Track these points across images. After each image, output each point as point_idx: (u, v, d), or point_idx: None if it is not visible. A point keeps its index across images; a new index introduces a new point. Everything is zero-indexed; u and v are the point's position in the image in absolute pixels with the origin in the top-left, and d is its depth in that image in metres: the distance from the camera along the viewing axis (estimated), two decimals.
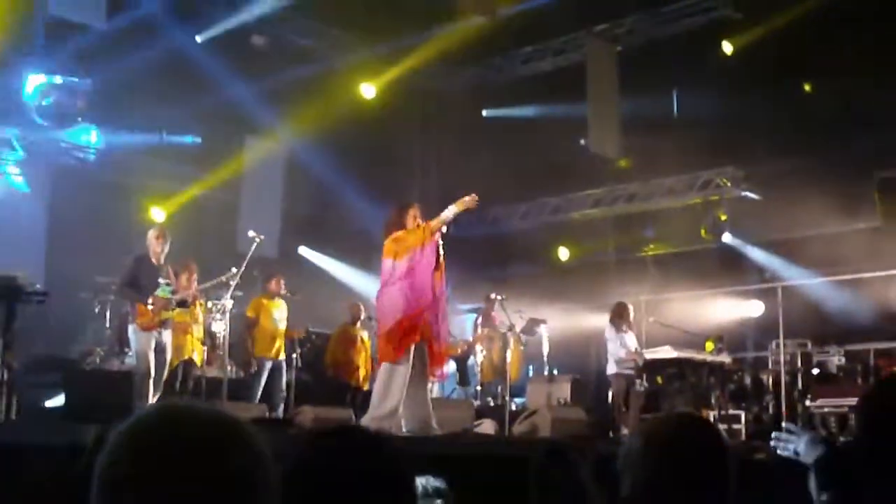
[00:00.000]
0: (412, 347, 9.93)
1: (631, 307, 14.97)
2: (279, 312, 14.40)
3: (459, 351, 16.06)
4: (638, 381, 14.46)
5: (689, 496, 2.57)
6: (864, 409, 3.32)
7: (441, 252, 10.17)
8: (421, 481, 4.17)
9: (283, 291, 14.52)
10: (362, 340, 15.21)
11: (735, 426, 15.26)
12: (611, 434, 13.76)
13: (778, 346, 16.83)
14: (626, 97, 19.68)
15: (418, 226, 10.05)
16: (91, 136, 16.90)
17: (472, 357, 15.97)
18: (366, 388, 14.40)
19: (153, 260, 11.59)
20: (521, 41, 20.94)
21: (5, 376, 9.71)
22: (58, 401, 13.19)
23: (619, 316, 14.66)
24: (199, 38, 18.32)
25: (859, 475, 3.16)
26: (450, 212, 9.96)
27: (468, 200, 9.98)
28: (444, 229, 10.13)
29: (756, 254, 19.22)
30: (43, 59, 16.81)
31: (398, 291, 9.94)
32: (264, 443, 1.64)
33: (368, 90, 20.16)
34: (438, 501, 4.01)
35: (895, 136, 17.51)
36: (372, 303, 12.56)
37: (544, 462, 6.34)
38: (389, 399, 9.79)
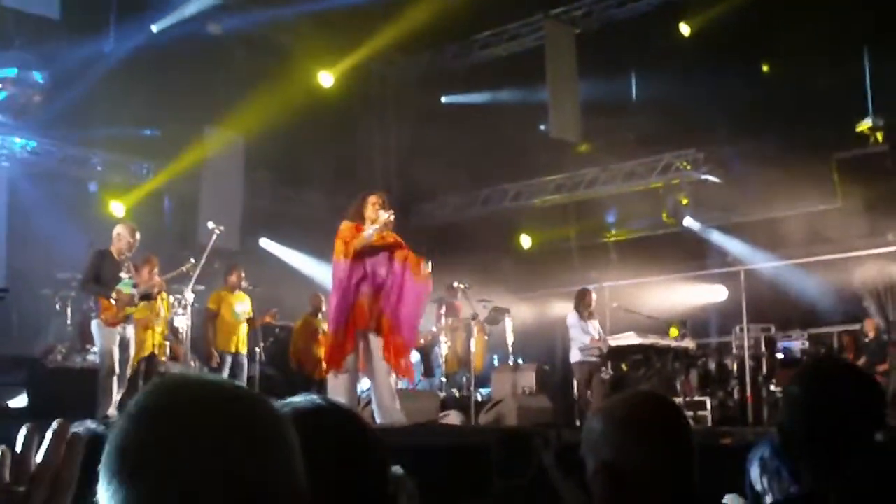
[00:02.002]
0: (349, 357, 10.09)
1: (594, 294, 14.88)
2: (241, 305, 14.28)
3: (423, 342, 15.99)
4: (604, 368, 14.46)
5: (653, 474, 2.54)
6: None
7: (396, 245, 10.32)
8: None
9: (243, 284, 14.41)
10: (324, 332, 15.12)
11: (700, 412, 15.31)
12: (577, 422, 13.77)
13: (742, 330, 16.87)
14: (585, 81, 19.65)
15: (357, 230, 10.12)
16: None
17: (436, 348, 15.91)
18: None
19: (115, 255, 11.45)
20: (477, 26, 20.87)
21: None
22: (21, 399, 13.09)
23: (581, 303, 14.55)
24: (154, 28, 18.15)
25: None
26: (370, 232, 10.06)
27: (385, 218, 10.06)
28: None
29: (718, 237, 19.25)
30: None
31: (334, 301, 10.13)
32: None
33: (326, 78, 20.05)
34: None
35: (853, 117, 17.63)
36: None
37: (505, 449, 6.33)
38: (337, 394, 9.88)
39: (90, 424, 4.57)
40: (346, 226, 10.24)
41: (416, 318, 10.82)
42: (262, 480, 1.46)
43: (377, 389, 10.24)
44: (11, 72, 16.80)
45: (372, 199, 10.30)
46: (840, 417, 2.94)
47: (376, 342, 10.19)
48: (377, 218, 10.14)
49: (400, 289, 10.38)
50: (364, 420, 2.17)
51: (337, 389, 10.09)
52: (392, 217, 10.18)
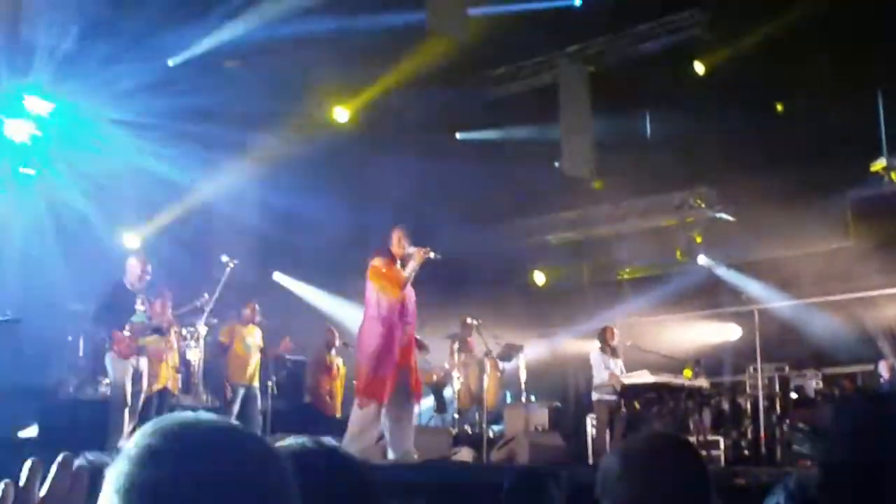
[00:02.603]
0: (398, 387, 10.03)
1: (616, 330, 14.94)
2: (253, 338, 14.27)
3: (435, 378, 15.95)
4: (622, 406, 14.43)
5: None
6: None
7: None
8: None
9: (257, 318, 14.41)
10: (337, 367, 15.10)
11: (714, 452, 15.19)
12: (590, 460, 13.70)
13: (755, 369, 16.78)
14: (599, 118, 19.68)
15: (394, 266, 10.10)
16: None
17: (448, 384, 15.87)
18: (339, 415, 14.30)
19: (129, 287, 11.46)
20: (492, 63, 20.95)
21: None
22: (32, 430, 13.08)
23: (603, 340, 14.65)
24: (171, 62, 18.23)
25: None
26: (410, 269, 10.05)
27: (423, 253, 10.07)
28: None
29: (731, 276, 19.20)
30: (13, 82, 16.70)
31: (376, 336, 10.03)
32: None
33: (342, 114, 20.09)
34: None
35: (867, 156, 17.61)
36: (347, 328, 12.48)
37: (516, 488, 6.29)
38: (363, 435, 9.84)
39: (90, 456, 4.57)
40: (382, 262, 10.23)
41: None
42: None
43: (405, 425, 10.18)
44: (30, 92, 16.86)
45: (396, 233, 10.33)
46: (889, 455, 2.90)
47: (407, 382, 10.18)
48: (404, 253, 10.17)
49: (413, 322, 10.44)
50: (356, 459, 2.17)
51: (365, 422, 10.02)
52: (431, 253, 10.20)
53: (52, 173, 17.45)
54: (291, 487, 1.54)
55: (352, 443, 9.82)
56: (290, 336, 15.34)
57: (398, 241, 10.23)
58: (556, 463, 11.78)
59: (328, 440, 2.14)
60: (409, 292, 10.30)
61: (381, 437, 10.75)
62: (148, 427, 1.51)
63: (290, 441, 2.10)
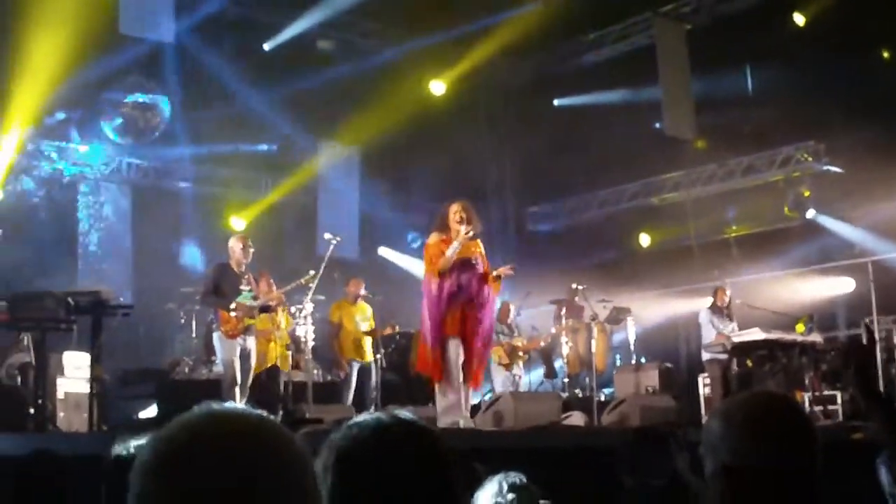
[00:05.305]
0: (452, 358, 9.97)
1: (728, 292, 14.88)
2: (361, 315, 14.41)
3: (544, 344, 15.96)
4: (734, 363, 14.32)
5: (772, 476, 2.48)
6: None
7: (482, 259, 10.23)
8: (499, 478, 4.12)
9: (363, 293, 14.52)
10: None
11: (831, 407, 14.93)
12: (703, 421, 13.55)
13: (871, 322, 16.41)
14: (698, 76, 19.37)
15: (445, 243, 10.04)
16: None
17: (557, 349, 15.88)
18: None
19: (234, 267, 11.62)
20: (586, 27, 20.75)
21: (95, 389, 9.80)
22: (150, 411, 13.43)
23: (714, 300, 14.68)
24: (266, 46, 18.45)
25: None
26: (453, 249, 9.98)
27: (462, 236, 9.96)
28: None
29: (843, 229, 18.77)
30: (116, 75, 17.02)
31: (427, 316, 10.06)
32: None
33: (437, 87, 20.10)
34: (511, 496, 3.96)
35: None
36: None
37: (636, 449, 6.21)
38: (451, 410, 9.87)
39: None
40: (433, 241, 10.20)
41: (491, 330, 10.83)
42: None
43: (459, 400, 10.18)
44: (131, 96, 17.18)
45: (454, 208, 10.20)
46: None
47: (461, 349, 10.12)
48: (459, 230, 10.07)
49: (486, 302, 10.30)
50: (434, 430, 2.16)
51: (450, 397, 10.03)
52: (470, 232, 10.06)
53: (159, 162, 17.82)
54: (310, 473, 1.62)
55: (443, 418, 9.88)
56: (395, 321, 15.41)
57: (453, 217, 10.13)
58: (669, 423, 11.67)
59: (405, 413, 2.13)
60: (469, 272, 10.16)
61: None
62: (161, 433, 1.60)
63: (364, 416, 2.11)
